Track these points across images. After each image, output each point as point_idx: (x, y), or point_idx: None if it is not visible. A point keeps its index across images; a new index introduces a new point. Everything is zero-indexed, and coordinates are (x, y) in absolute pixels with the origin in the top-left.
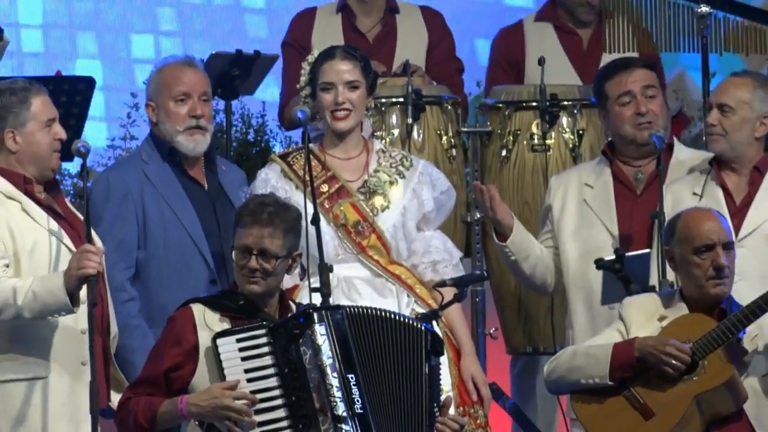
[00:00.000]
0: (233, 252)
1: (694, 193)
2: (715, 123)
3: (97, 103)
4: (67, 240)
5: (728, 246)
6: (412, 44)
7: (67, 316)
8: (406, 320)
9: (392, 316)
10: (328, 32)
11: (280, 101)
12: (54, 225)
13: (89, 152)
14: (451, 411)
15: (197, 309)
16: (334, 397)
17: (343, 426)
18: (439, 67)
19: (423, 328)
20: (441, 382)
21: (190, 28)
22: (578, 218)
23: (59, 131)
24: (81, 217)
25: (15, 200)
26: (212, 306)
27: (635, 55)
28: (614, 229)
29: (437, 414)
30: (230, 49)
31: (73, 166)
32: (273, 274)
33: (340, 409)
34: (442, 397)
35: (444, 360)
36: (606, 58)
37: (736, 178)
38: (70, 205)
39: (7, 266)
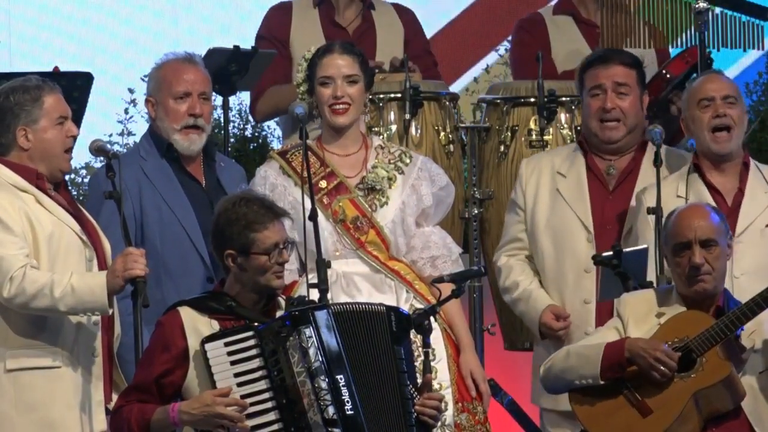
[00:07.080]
0: (250, 258)
1: (678, 196)
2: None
3: (94, 98)
4: (79, 231)
5: (708, 243)
6: (390, 38)
7: None
8: (372, 307)
9: (363, 307)
10: (306, 27)
11: (251, 94)
12: (67, 216)
13: (113, 152)
14: (450, 406)
15: (185, 312)
16: (324, 400)
17: (334, 429)
18: (417, 61)
19: (383, 309)
20: (414, 360)
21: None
22: (551, 209)
23: (71, 128)
24: (88, 215)
25: (28, 193)
26: (199, 308)
27: (651, 50)
28: (588, 222)
29: (415, 396)
30: (227, 45)
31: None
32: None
33: (330, 412)
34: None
35: (443, 356)
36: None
37: (721, 175)
38: (78, 205)
39: (27, 256)
